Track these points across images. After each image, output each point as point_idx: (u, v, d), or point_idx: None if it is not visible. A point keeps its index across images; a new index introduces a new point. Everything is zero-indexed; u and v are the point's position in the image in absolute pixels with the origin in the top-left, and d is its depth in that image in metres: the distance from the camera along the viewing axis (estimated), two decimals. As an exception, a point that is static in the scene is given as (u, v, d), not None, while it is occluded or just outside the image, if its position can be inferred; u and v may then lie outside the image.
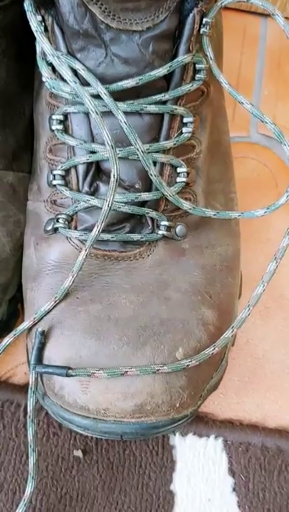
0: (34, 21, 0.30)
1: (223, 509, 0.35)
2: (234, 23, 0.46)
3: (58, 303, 0.32)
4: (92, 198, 0.32)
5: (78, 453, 0.36)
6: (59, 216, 0.34)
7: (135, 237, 0.33)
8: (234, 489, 0.36)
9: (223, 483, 0.36)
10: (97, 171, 0.33)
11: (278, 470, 0.36)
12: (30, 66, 0.37)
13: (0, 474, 0.35)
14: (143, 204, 0.33)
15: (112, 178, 0.29)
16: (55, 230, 0.34)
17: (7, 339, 0.32)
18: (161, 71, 0.30)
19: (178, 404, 0.30)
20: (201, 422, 0.37)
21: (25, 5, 0.31)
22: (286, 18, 0.49)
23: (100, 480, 0.36)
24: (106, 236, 0.33)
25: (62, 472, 0.36)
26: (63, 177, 0.34)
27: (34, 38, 0.32)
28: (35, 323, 0.32)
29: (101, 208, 0.32)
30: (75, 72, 0.30)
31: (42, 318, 0.32)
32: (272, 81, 0.49)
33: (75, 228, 0.34)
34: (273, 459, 0.36)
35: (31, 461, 0.32)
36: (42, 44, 0.30)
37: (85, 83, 0.30)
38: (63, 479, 0.36)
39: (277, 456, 0.36)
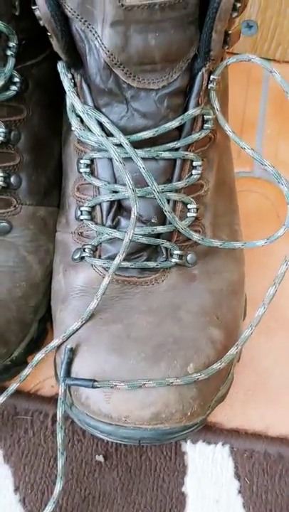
0: (67, 81, 0.35)
1: (229, 509, 0.39)
2: (240, 66, 0.50)
3: (84, 323, 0.36)
4: (115, 231, 0.37)
5: (100, 458, 0.40)
6: (85, 246, 0.38)
7: (151, 264, 0.37)
8: (240, 491, 0.39)
9: (230, 486, 0.39)
10: (118, 208, 0.37)
11: (279, 474, 0.40)
12: (59, 113, 0.42)
13: (30, 476, 0.40)
14: (158, 236, 0.37)
15: (132, 216, 0.34)
16: (82, 258, 0.38)
17: (39, 355, 0.37)
18: (175, 123, 0.35)
19: (189, 413, 0.34)
20: (209, 431, 0.41)
21: (58, 67, 0.36)
22: (287, 62, 0.54)
23: (119, 482, 0.39)
24: (126, 264, 0.37)
25: (85, 475, 0.40)
26: (89, 212, 0.38)
27: (62, 89, 0.37)
28: (64, 341, 0.37)
29: (122, 239, 0.37)
30: (100, 124, 0.35)
31: (70, 336, 0.36)
32: (275, 120, 0.54)
33: (99, 257, 0.38)
34: (275, 465, 0.40)
35: (60, 463, 0.36)
36: (73, 101, 0.35)
37: (109, 133, 0.35)
38: (86, 481, 0.40)
39: (278, 461, 0.40)
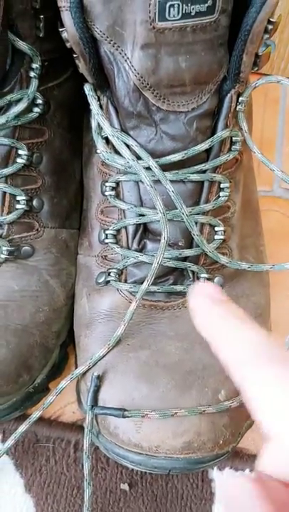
0: (95, 104, 0.34)
1: (259, 538, 0.38)
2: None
3: (110, 349, 0.35)
4: (141, 254, 0.36)
5: (125, 486, 0.39)
6: (110, 270, 0.37)
7: (178, 288, 0.37)
8: (269, 520, 0.38)
9: (259, 514, 0.39)
10: (144, 231, 0.37)
11: (309, 501, 0.39)
12: (80, 134, 0.42)
13: (53, 506, 0.38)
14: (185, 259, 0.37)
15: (162, 240, 0.33)
16: (107, 282, 0.37)
17: (64, 382, 0.36)
18: (204, 146, 0.34)
19: (221, 442, 0.33)
20: (237, 457, 0.40)
21: (85, 89, 0.35)
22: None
23: (145, 511, 0.38)
24: (153, 288, 0.36)
25: (110, 504, 0.39)
26: (114, 236, 0.37)
27: (82, 111, 0.37)
28: (90, 368, 0.36)
29: (148, 263, 0.36)
30: (127, 147, 0.35)
31: (96, 363, 0.35)
32: (293, 139, 0.53)
33: (125, 281, 0.37)
34: (305, 491, 0.39)
35: (86, 494, 0.35)
36: (102, 124, 0.34)
37: (136, 156, 0.34)
38: (111, 511, 0.39)
39: (308, 488, 0.39)
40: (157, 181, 0.34)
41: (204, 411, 0.32)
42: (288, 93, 0.55)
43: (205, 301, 0.23)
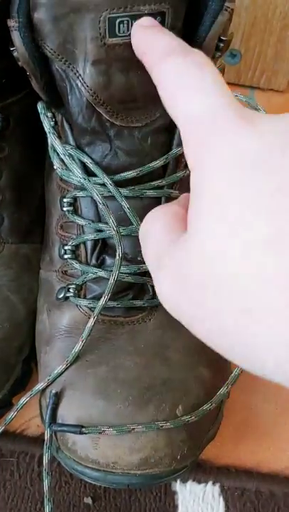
0: (47, 122, 0.34)
1: None
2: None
3: (69, 366, 0.35)
4: (100, 270, 0.36)
5: (88, 500, 0.39)
6: (70, 286, 0.37)
7: (138, 303, 0.37)
8: (232, 532, 0.39)
9: (222, 526, 0.39)
10: (103, 246, 0.37)
11: (272, 513, 0.39)
12: (41, 149, 0.41)
13: (16, 522, 0.38)
14: (144, 274, 0.37)
15: (117, 257, 0.33)
16: (66, 298, 0.37)
17: (24, 399, 0.36)
18: (159, 163, 0.34)
19: (179, 457, 0.33)
20: (199, 469, 0.40)
21: (38, 107, 0.35)
22: (271, 89, 0.54)
23: (108, 525, 0.39)
24: (112, 303, 0.36)
25: (73, 518, 0.39)
26: (73, 251, 0.37)
27: (43, 128, 0.37)
28: (49, 385, 0.36)
29: (107, 278, 0.36)
30: (83, 163, 0.35)
31: (55, 379, 0.35)
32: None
33: (84, 297, 0.37)
34: (267, 503, 0.39)
35: (47, 509, 0.35)
36: (54, 143, 0.34)
37: (91, 172, 0.34)
38: (75, 525, 0.39)
39: (270, 500, 0.39)
40: (113, 197, 0.34)
41: (162, 426, 0.32)
42: (256, 102, 0.56)
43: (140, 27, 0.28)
